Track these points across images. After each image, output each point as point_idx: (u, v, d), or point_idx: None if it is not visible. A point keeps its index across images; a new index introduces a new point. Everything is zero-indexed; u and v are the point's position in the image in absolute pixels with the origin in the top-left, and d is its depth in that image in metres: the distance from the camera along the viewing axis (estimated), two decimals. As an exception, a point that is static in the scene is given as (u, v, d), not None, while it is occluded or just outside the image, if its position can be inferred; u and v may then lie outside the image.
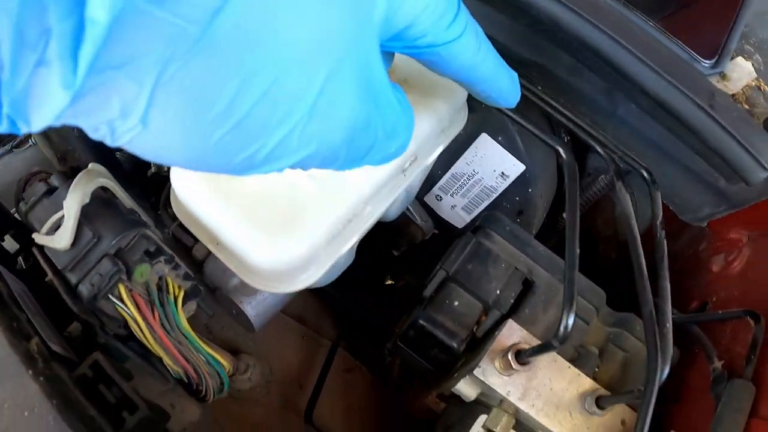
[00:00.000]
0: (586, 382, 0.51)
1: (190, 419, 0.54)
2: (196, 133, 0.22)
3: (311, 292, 0.71)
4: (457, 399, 0.55)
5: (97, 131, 0.22)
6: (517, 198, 0.60)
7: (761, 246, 0.59)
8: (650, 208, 0.54)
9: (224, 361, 0.54)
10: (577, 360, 0.52)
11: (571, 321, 0.39)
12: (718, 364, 0.52)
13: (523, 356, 0.46)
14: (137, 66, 0.20)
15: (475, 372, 0.49)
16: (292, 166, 0.26)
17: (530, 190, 0.60)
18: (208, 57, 0.21)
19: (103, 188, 0.53)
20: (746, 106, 1.28)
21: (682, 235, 0.70)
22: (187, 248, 0.53)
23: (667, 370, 0.44)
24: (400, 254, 0.66)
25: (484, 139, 0.59)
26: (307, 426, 0.59)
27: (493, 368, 0.49)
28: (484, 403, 0.52)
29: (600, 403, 0.50)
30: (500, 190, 0.61)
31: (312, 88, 0.24)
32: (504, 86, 0.34)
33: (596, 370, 0.53)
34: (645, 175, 0.52)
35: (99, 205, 0.51)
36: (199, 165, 0.25)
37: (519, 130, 0.58)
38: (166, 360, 0.50)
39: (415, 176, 0.51)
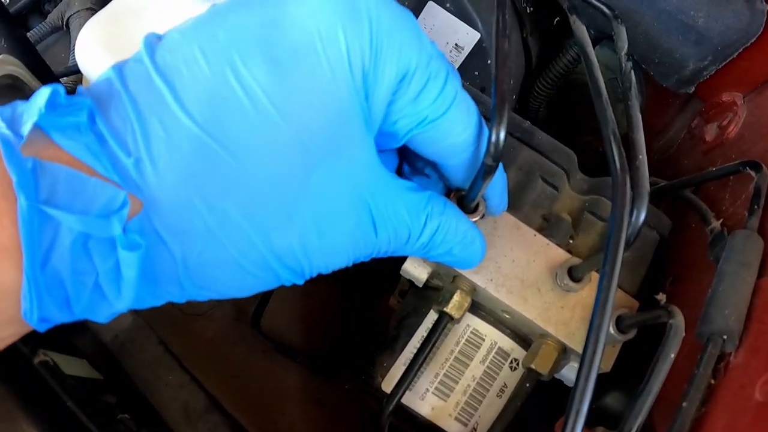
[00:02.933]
0: (557, 253, 0.39)
1: (122, 326, 0.44)
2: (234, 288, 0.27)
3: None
4: (415, 290, 0.43)
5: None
6: (476, 72, 0.49)
7: (758, 104, 0.46)
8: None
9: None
10: (546, 229, 0.40)
11: (502, 133, 0.28)
12: (716, 223, 0.39)
13: (466, 201, 0.34)
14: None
15: (418, 242, 0.37)
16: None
17: (489, 61, 0.48)
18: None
19: (12, 76, 0.44)
20: None
21: (675, 123, 0.57)
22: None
23: (643, 211, 0.31)
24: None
25: (431, 7, 0.48)
26: (253, 332, 0.48)
27: (440, 236, 0.37)
28: (439, 286, 0.41)
29: (573, 273, 0.38)
30: (457, 65, 0.49)
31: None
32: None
33: (570, 241, 0.41)
34: (605, 10, 0.41)
35: (5, 89, 0.43)
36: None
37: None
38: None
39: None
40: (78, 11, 0.65)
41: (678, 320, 0.33)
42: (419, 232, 0.30)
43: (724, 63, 0.47)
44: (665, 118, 0.58)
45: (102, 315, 0.24)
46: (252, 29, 0.23)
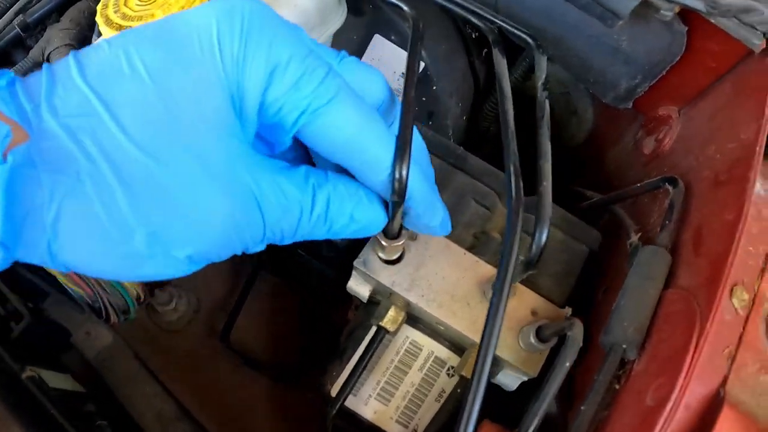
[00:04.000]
0: (486, 269, 0.42)
1: (103, 344, 0.49)
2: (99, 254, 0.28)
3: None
4: (364, 305, 0.47)
5: (44, 263, 0.28)
6: (423, 98, 0.52)
7: (689, 117, 0.48)
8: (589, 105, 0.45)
9: (128, 283, 0.48)
10: (476, 247, 0.43)
11: (404, 172, 0.31)
12: (634, 237, 0.42)
13: (387, 229, 0.37)
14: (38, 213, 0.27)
15: (355, 263, 0.41)
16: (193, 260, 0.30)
17: (434, 87, 0.51)
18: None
19: None
20: None
21: (624, 135, 0.59)
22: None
23: (545, 235, 0.34)
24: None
25: (377, 40, 0.51)
26: (223, 346, 0.52)
27: (374, 256, 0.41)
28: (379, 301, 0.44)
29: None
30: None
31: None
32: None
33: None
34: (528, 40, 0.43)
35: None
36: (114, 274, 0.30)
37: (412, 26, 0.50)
38: (61, 279, 0.45)
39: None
40: (57, 47, 0.69)
41: (576, 332, 0.35)
42: (310, 204, 0.30)
43: (655, 80, 0.49)
44: (617, 130, 0.60)
45: None
46: (151, 28, 0.29)
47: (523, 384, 0.44)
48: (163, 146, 0.28)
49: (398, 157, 0.32)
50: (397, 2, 0.41)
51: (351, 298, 0.55)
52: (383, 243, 0.39)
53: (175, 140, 0.28)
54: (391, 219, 0.34)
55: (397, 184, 0.32)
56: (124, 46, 0.28)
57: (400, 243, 0.38)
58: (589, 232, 0.46)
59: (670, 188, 0.42)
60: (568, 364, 0.34)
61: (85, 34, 0.67)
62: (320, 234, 0.32)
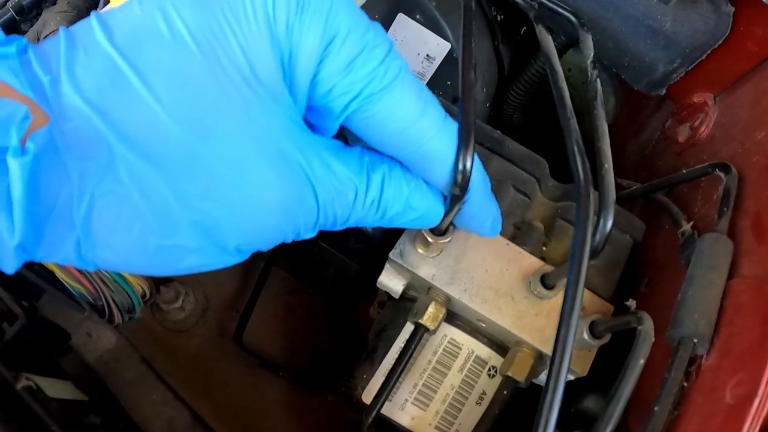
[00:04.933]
0: (530, 261, 0.39)
1: (106, 346, 0.44)
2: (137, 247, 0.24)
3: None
4: (392, 301, 0.43)
5: (69, 261, 0.24)
6: (449, 82, 0.49)
7: (728, 104, 0.46)
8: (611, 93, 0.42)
9: (133, 278, 0.43)
10: (517, 237, 0.40)
11: (468, 162, 0.28)
12: (686, 226, 0.39)
13: (439, 224, 0.33)
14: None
15: (391, 255, 0.37)
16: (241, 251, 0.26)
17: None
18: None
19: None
20: None
21: (650, 123, 0.57)
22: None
23: (610, 220, 0.31)
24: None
25: (401, 19, 0.48)
26: (234, 347, 0.48)
27: (412, 248, 0.37)
28: (415, 298, 0.40)
29: (546, 280, 0.38)
30: (428, 76, 0.49)
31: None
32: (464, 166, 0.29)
33: (543, 248, 0.40)
34: (571, 17, 0.40)
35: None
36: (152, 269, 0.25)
37: (437, 5, 0.47)
38: (59, 274, 0.40)
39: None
40: (54, 31, 0.65)
41: (647, 326, 0.32)
42: (365, 186, 0.27)
43: (693, 65, 0.47)
44: (640, 119, 0.58)
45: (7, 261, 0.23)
46: None
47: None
48: (208, 121, 0.24)
49: (462, 148, 0.29)
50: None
51: (372, 295, 0.51)
52: (429, 239, 0.35)
53: (222, 113, 0.24)
54: (447, 212, 0.31)
55: (460, 177, 0.29)
56: (161, 4, 0.24)
57: (447, 240, 0.35)
58: (633, 221, 0.43)
59: (722, 174, 0.40)
60: (642, 361, 0.31)
61: (83, 18, 0.63)
62: (372, 221, 0.29)
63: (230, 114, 0.24)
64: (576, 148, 0.32)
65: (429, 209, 0.30)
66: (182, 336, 0.49)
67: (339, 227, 0.29)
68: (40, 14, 0.66)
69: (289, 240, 0.28)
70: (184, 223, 0.24)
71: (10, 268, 0.23)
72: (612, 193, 0.33)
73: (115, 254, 0.24)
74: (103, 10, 0.25)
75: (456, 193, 0.30)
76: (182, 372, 0.46)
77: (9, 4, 0.64)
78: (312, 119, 0.28)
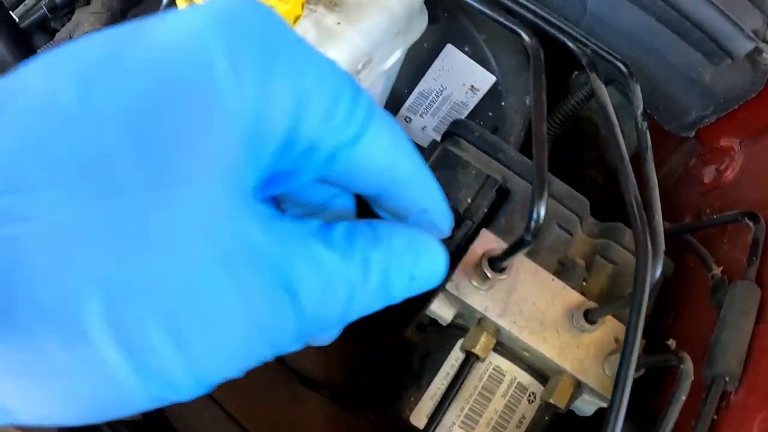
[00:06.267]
0: (573, 296, 0.42)
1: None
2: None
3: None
4: (436, 326, 0.46)
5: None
6: (491, 113, 0.52)
7: (755, 151, 0.50)
8: (634, 128, 0.45)
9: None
10: (561, 273, 0.43)
11: (542, 211, 0.31)
12: (717, 270, 0.43)
13: (497, 262, 0.37)
14: None
15: (447, 287, 0.40)
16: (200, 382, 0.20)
17: (503, 103, 0.51)
18: None
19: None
20: None
21: (671, 158, 0.60)
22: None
23: (659, 268, 0.35)
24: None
25: (450, 50, 0.50)
26: (280, 366, 0.50)
27: (467, 282, 0.40)
28: (462, 325, 0.44)
29: (589, 316, 0.41)
30: (471, 106, 0.52)
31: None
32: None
33: (584, 284, 0.44)
34: (621, 67, 0.43)
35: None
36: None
37: (486, 39, 0.49)
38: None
39: (377, 86, 0.42)
40: (88, 32, 0.65)
41: (688, 366, 0.36)
42: (361, 277, 0.21)
43: (725, 113, 0.50)
44: (662, 152, 0.62)
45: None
46: (103, 49, 0.19)
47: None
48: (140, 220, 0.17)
49: (537, 198, 0.31)
50: (515, 28, 0.40)
51: (402, 318, 0.54)
52: (488, 274, 0.38)
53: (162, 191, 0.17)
54: (509, 254, 0.34)
55: (533, 224, 0.32)
56: (64, 77, 0.18)
57: (505, 277, 0.38)
58: (664, 260, 0.47)
59: (751, 223, 0.44)
60: (684, 398, 0.35)
61: (117, 21, 0.63)
62: (374, 309, 0.23)
63: (167, 198, 0.18)
64: (634, 202, 0.36)
65: (432, 273, 0.24)
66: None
67: (334, 334, 0.26)
68: (71, 13, 0.67)
69: (267, 359, 0.21)
70: (119, 365, 0.17)
71: None
72: (662, 244, 0.36)
73: (34, 417, 0.18)
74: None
75: (528, 239, 0.33)
76: (227, 390, 0.47)
77: (42, 2, 0.65)
78: (271, 185, 0.22)
